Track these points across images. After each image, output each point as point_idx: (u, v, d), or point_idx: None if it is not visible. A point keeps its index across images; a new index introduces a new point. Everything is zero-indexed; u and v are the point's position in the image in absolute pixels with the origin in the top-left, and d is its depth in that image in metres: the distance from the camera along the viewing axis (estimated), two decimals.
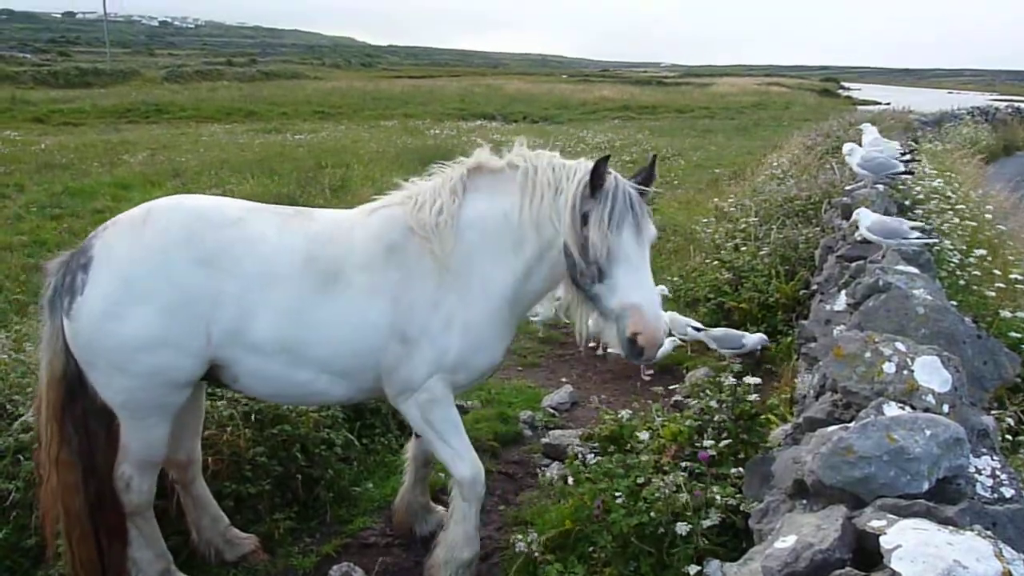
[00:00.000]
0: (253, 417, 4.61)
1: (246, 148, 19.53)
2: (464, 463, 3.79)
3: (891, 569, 1.81)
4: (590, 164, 3.39)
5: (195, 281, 3.39)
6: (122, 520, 3.79)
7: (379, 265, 3.58)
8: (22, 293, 7.48)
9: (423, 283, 3.57)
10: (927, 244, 5.12)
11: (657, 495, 3.44)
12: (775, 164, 14.09)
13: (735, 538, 3.34)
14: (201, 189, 13.44)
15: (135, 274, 3.39)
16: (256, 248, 3.52)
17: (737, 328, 7.02)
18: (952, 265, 5.83)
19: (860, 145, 7.56)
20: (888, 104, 33.11)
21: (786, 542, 2.06)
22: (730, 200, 11.00)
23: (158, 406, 3.56)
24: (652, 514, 3.42)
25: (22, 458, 4.02)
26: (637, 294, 3.30)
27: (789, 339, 6.40)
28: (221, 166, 15.85)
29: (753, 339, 6.61)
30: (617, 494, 3.61)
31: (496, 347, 3.78)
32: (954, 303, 4.18)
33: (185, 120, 28.89)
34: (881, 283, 3.63)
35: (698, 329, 6.94)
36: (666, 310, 7.12)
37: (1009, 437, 3.56)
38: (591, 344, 7.20)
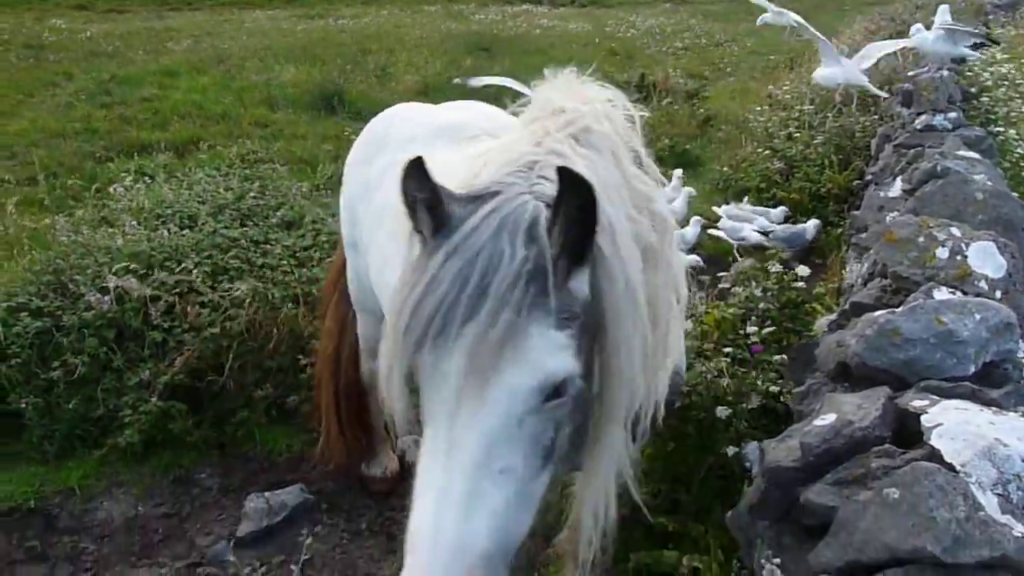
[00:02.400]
0: (306, 300, 4.74)
1: (289, 34, 19.22)
2: None
3: (930, 446, 1.82)
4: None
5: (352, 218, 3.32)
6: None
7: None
8: (79, 179, 7.63)
9: None
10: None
11: (699, 380, 3.47)
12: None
13: (775, 423, 3.38)
14: (246, 76, 13.38)
15: (344, 206, 3.46)
16: (382, 187, 2.85)
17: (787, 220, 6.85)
18: (1017, 155, 5.59)
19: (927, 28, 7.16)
20: None
21: (826, 420, 2.08)
22: (785, 88, 10.59)
23: None
24: (693, 398, 3.46)
25: (86, 333, 4.20)
26: (417, 511, 1.38)
27: (839, 230, 6.27)
28: (265, 52, 15.68)
29: (812, 230, 6.42)
30: None
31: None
32: (1016, 194, 4.03)
33: (227, 6, 28.28)
34: (939, 168, 3.52)
35: (764, 233, 6.48)
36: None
37: None
38: None
